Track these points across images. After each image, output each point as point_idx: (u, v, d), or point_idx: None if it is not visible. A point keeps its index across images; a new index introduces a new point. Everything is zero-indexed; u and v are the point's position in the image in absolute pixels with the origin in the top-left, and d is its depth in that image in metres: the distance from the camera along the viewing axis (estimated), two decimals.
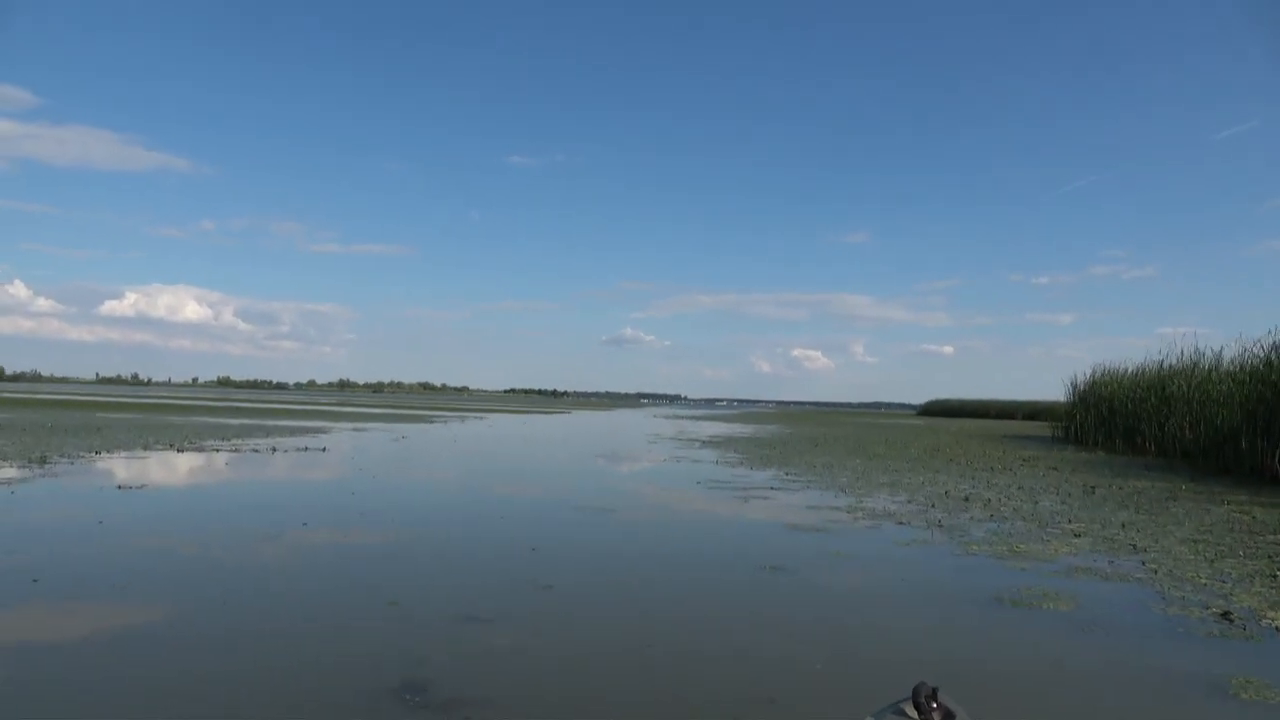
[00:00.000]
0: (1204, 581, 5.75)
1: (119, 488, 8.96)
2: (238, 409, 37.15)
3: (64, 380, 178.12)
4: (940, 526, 7.99)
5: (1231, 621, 4.69)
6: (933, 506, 9.47)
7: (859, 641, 4.27)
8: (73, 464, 11.27)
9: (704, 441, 23.16)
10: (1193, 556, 6.66)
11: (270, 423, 25.17)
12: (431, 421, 31.50)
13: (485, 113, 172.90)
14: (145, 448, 14.31)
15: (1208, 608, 5.02)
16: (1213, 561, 6.48)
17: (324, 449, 15.57)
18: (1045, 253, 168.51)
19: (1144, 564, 6.32)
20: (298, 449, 15.29)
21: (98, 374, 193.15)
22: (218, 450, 14.36)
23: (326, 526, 7.12)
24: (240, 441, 16.55)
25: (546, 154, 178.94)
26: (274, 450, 14.81)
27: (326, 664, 3.62)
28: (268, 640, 3.96)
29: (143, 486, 9.15)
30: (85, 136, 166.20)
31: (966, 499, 10.26)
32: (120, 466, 11.32)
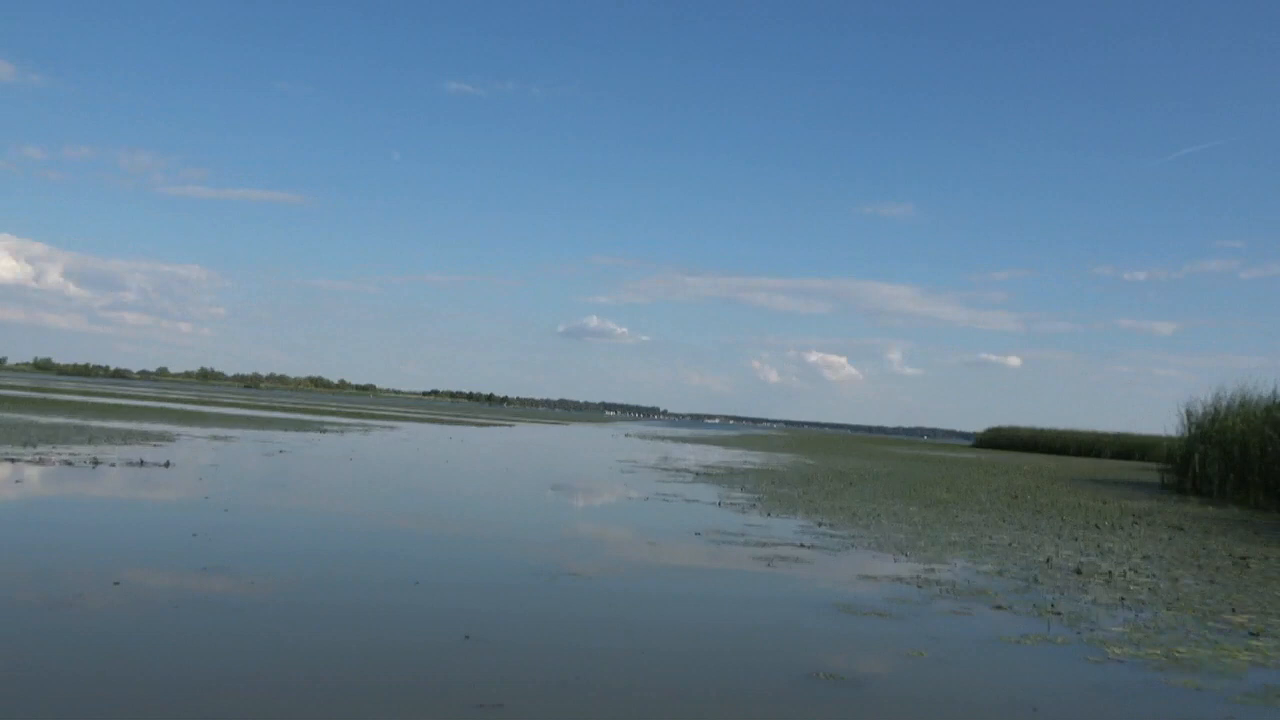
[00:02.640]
0: None
1: None
2: (54, 402, 36.08)
3: None
4: (1056, 614, 7.35)
5: None
6: (1036, 582, 8.84)
7: None
8: None
9: (697, 473, 22.55)
10: None
11: (97, 423, 24.22)
12: (323, 430, 30.86)
13: (416, 28, 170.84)
14: None
15: None
16: None
17: (167, 463, 14.67)
18: (1141, 240, 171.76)
19: None
20: (129, 463, 14.36)
21: None
22: (11, 460, 13.37)
23: (148, 588, 6.28)
24: (48, 449, 15.58)
25: (494, 81, 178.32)
26: (94, 463, 13.88)
27: None
28: None
29: None
30: None
31: (1078, 571, 9.67)
32: None
